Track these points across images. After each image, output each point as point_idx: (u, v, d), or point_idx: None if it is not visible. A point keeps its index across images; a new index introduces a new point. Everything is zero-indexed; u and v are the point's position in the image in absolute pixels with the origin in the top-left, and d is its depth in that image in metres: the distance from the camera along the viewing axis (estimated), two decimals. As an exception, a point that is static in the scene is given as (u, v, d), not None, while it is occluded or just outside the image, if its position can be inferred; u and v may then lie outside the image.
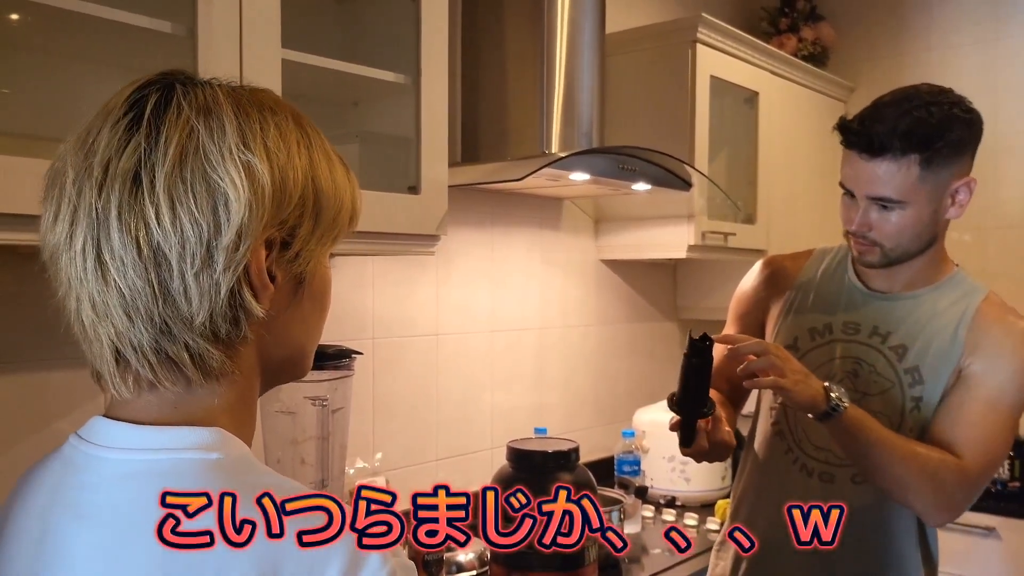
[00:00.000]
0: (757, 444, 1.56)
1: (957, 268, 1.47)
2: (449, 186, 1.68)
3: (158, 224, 0.61)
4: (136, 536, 0.61)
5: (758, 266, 1.65)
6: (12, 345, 1.39)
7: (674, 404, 1.37)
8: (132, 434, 0.66)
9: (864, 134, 1.34)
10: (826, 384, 1.29)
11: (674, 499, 2.38)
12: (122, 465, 0.65)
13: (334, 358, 1.43)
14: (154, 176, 0.61)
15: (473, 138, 2.09)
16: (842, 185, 1.41)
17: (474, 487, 2.28)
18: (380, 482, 1.86)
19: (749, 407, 1.68)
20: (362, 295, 1.95)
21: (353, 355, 1.47)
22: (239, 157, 0.63)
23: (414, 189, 1.60)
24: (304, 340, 0.74)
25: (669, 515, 2.28)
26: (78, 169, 0.63)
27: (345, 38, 1.75)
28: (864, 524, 1.41)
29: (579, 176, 1.90)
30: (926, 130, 1.31)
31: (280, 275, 0.67)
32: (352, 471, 1.84)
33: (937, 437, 1.36)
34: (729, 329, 1.66)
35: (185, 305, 0.63)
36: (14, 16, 1.28)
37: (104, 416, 0.68)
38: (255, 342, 0.68)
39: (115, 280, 0.62)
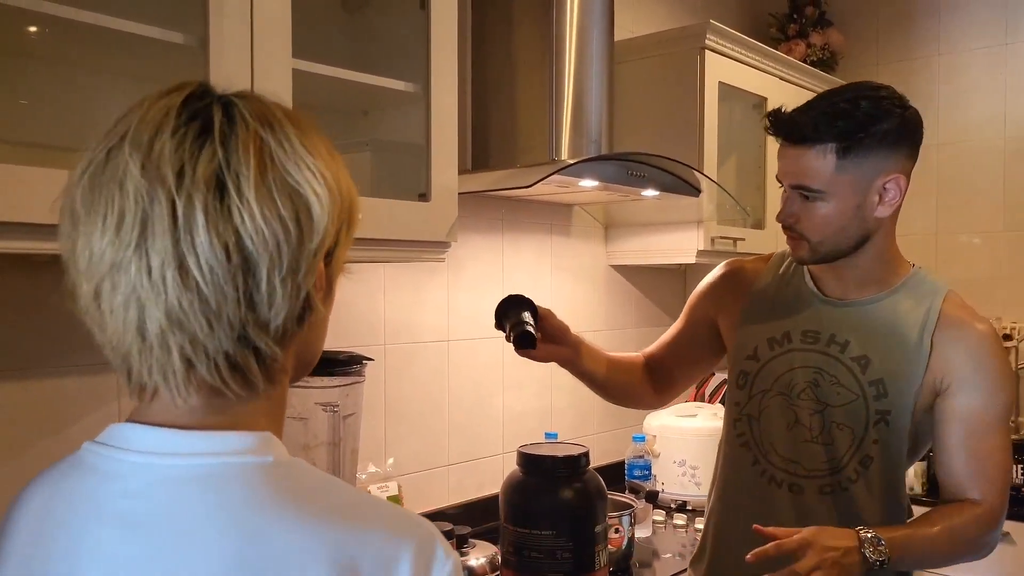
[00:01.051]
0: (724, 455, 1.54)
1: (915, 268, 1.44)
2: (459, 193, 1.69)
3: (250, 229, 0.61)
4: (203, 540, 0.62)
5: (719, 268, 1.64)
6: (27, 352, 1.40)
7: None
8: (175, 439, 0.65)
9: (785, 121, 1.34)
10: (861, 548, 1.23)
11: (685, 503, 2.38)
12: (171, 471, 0.64)
13: (345, 364, 1.45)
14: (239, 182, 0.61)
15: (483, 145, 2.11)
16: (777, 178, 1.41)
17: (485, 492, 2.30)
18: (392, 487, 1.88)
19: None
20: (373, 302, 1.96)
21: (364, 361, 1.48)
22: (311, 166, 0.65)
23: (424, 196, 1.61)
24: (322, 342, 0.76)
25: (680, 519, 2.28)
26: (146, 175, 0.61)
27: (355, 47, 1.76)
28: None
29: (588, 183, 1.91)
30: (847, 120, 1.29)
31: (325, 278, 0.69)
32: (364, 476, 1.85)
33: (948, 484, 1.37)
34: (679, 324, 1.65)
35: (266, 309, 0.63)
36: (32, 28, 1.30)
37: (133, 422, 0.67)
38: (296, 344, 0.69)
39: (199, 287, 0.61)
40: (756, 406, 1.46)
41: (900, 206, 1.37)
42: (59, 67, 1.40)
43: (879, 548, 1.24)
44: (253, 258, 0.61)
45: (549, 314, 1.49)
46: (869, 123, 1.30)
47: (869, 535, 1.24)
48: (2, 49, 1.31)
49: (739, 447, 1.49)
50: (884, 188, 1.33)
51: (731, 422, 1.51)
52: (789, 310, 1.47)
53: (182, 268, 0.60)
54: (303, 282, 0.64)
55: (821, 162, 1.30)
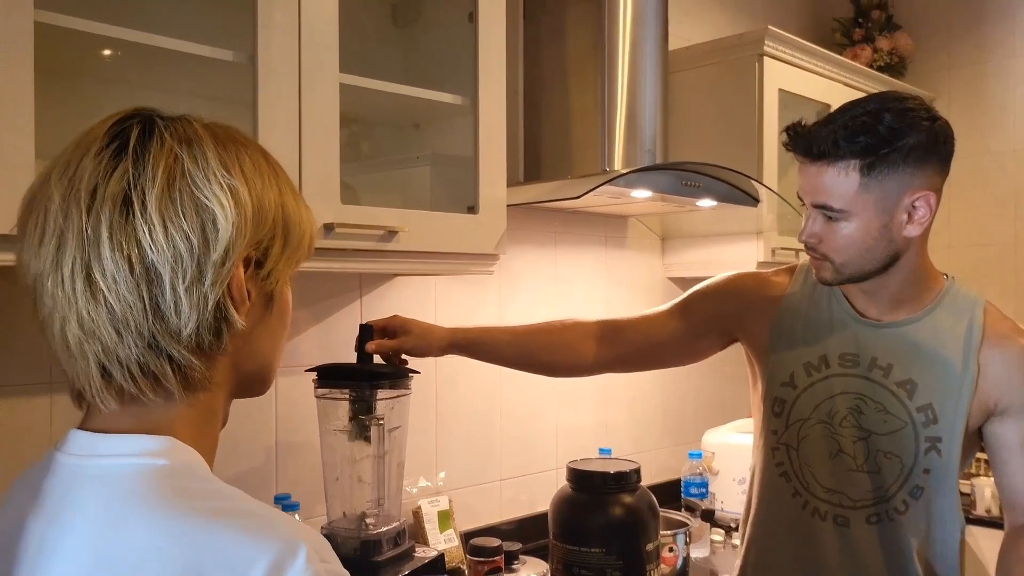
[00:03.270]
0: (761, 485, 1.45)
1: (948, 280, 1.36)
2: (511, 205, 1.69)
3: (152, 242, 0.65)
4: (75, 534, 0.65)
5: (735, 274, 1.53)
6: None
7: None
8: (95, 442, 0.69)
9: (805, 137, 1.26)
10: None
11: (745, 523, 2.31)
12: (82, 470, 0.69)
13: (391, 377, 1.45)
14: (144, 198, 0.65)
15: (536, 157, 2.10)
16: (798, 196, 1.33)
17: (537, 508, 2.28)
18: (443, 502, 1.87)
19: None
20: (425, 315, 1.96)
21: (410, 374, 1.48)
22: (223, 181, 0.68)
23: (473, 209, 1.61)
24: (271, 355, 0.78)
25: (739, 539, 2.22)
26: (63, 195, 0.66)
27: (406, 61, 1.78)
28: (887, 566, 1.33)
29: (641, 193, 1.88)
30: (870, 134, 1.21)
31: (254, 291, 0.72)
32: (415, 490, 1.85)
33: (1013, 506, 1.33)
34: (670, 309, 1.56)
35: (174, 318, 0.66)
36: (95, 53, 1.35)
37: (79, 428, 0.72)
38: (230, 355, 0.72)
39: (105, 297, 0.65)
40: (795, 435, 1.39)
41: (931, 224, 1.28)
42: (120, 87, 1.45)
43: None
44: (155, 268, 0.65)
45: (391, 319, 1.47)
46: (894, 137, 1.21)
47: None
48: (71, 71, 1.36)
49: (777, 477, 1.41)
50: (913, 206, 1.25)
51: (768, 450, 1.43)
52: (823, 332, 1.38)
53: (90, 279, 0.65)
54: (210, 291, 0.67)
55: (843, 180, 1.23)
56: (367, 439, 1.42)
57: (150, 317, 0.65)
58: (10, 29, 1.07)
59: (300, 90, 1.34)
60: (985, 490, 2.44)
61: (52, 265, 0.66)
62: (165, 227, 0.65)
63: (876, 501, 1.33)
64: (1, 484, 1.33)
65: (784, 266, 1.52)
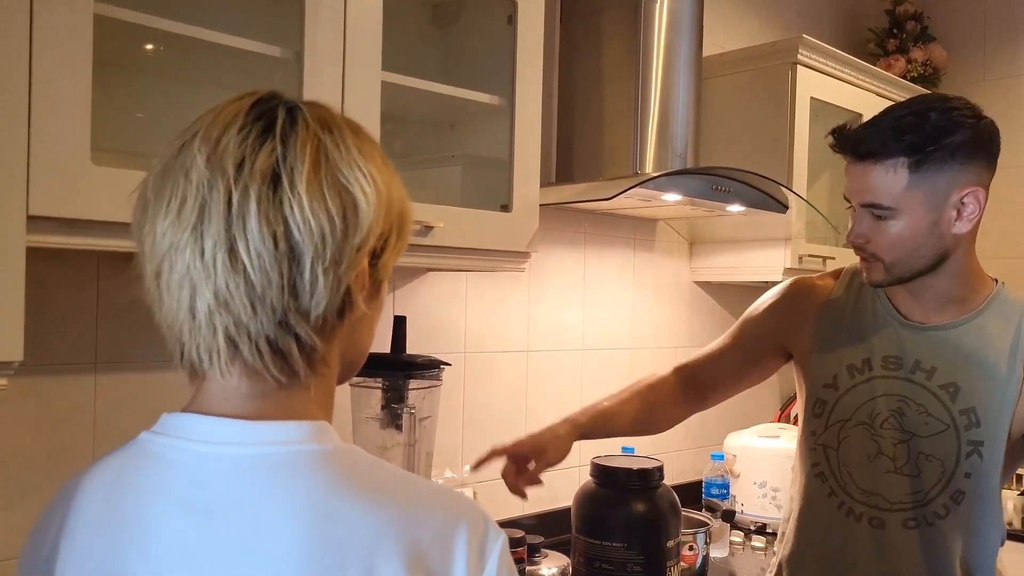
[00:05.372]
0: (798, 486, 1.47)
1: (998, 285, 1.36)
2: (543, 205, 1.72)
3: (300, 220, 0.65)
4: (273, 524, 0.64)
5: (783, 286, 1.56)
6: (132, 346, 1.49)
7: None
8: (234, 429, 0.68)
9: (852, 137, 1.28)
10: None
11: (764, 526, 2.32)
12: (236, 460, 0.67)
13: (423, 368, 1.48)
14: (293, 176, 0.65)
15: (568, 158, 2.13)
16: (845, 197, 1.35)
17: (560, 503, 2.29)
18: (468, 494, 1.90)
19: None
20: (455, 310, 2.00)
21: (442, 366, 1.51)
22: (363, 168, 0.69)
23: (506, 207, 1.65)
24: (368, 342, 0.79)
25: (759, 542, 2.23)
26: (208, 167, 0.65)
27: (444, 61, 1.82)
28: (925, 572, 1.33)
29: (672, 196, 1.91)
30: (917, 132, 1.23)
31: (368, 279, 0.72)
32: (440, 481, 1.89)
33: None
34: (730, 338, 1.58)
35: (308, 298, 0.66)
36: (149, 46, 1.39)
37: (192, 412, 0.70)
38: (340, 340, 0.72)
39: (246, 271, 0.64)
40: (834, 436, 1.40)
41: (979, 222, 1.30)
42: (168, 80, 1.49)
43: None
44: (299, 247, 0.65)
45: (518, 448, 1.42)
46: (940, 135, 1.23)
47: None
48: (121, 64, 1.40)
49: (814, 477, 1.43)
50: (962, 202, 1.26)
51: (806, 451, 1.45)
52: (867, 334, 1.40)
53: (232, 252, 0.64)
54: (344, 275, 0.67)
55: (891, 177, 1.25)
56: (398, 427, 1.45)
57: (286, 294, 0.65)
58: (70, 22, 1.10)
59: (344, 87, 1.38)
60: (1008, 502, 2.43)
61: (192, 235, 0.65)
62: (313, 206, 0.65)
63: (915, 505, 1.33)
64: (44, 461, 1.39)
65: (830, 271, 1.54)
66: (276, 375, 0.68)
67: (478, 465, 1.40)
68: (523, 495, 1.39)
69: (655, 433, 1.65)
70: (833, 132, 1.32)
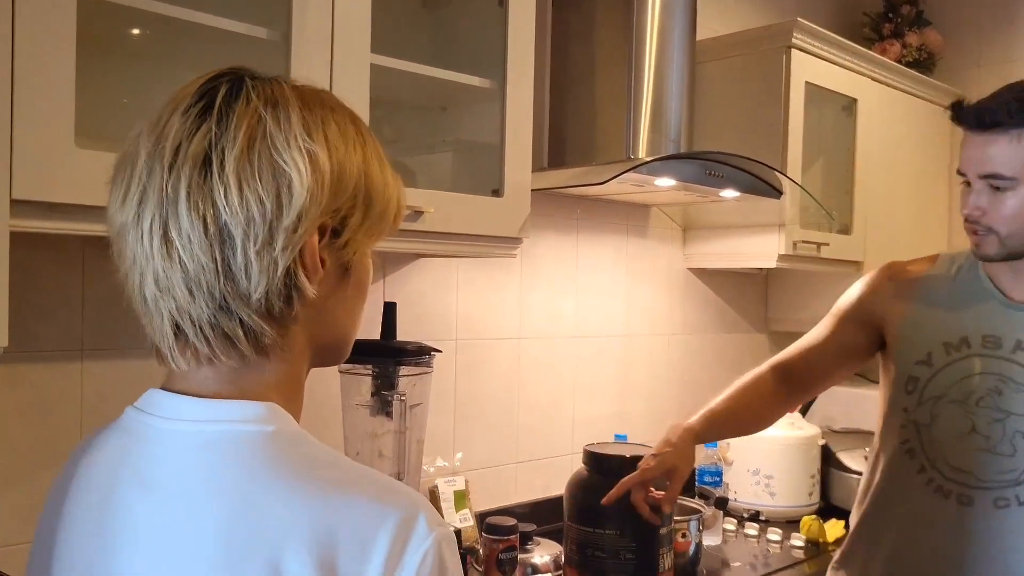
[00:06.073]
0: (884, 463, 1.48)
1: None
2: (535, 191, 1.70)
3: (226, 203, 0.65)
4: (201, 503, 0.65)
5: (878, 272, 1.57)
6: (119, 334, 1.47)
7: None
8: (191, 406, 0.69)
9: (974, 108, 1.29)
10: None
11: (758, 513, 2.32)
12: (186, 437, 0.68)
13: (414, 354, 1.47)
14: (223, 159, 0.65)
15: (560, 143, 2.11)
16: (959, 172, 1.35)
17: (552, 492, 2.29)
18: (459, 482, 1.89)
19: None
20: (446, 297, 1.99)
21: (433, 352, 1.50)
22: (303, 145, 0.67)
23: (497, 192, 1.63)
24: (347, 325, 0.78)
25: (752, 529, 2.23)
26: (150, 152, 0.67)
27: (434, 43, 1.79)
28: (1010, 553, 1.33)
29: (665, 181, 1.89)
30: None
31: (329, 260, 0.71)
32: (432, 469, 1.88)
33: None
34: (823, 330, 1.58)
35: (244, 282, 0.66)
36: (134, 28, 1.37)
37: (163, 389, 0.72)
38: (304, 323, 0.71)
39: (180, 256, 0.65)
40: (927, 413, 1.41)
41: None
42: (153, 63, 1.47)
43: None
44: (228, 230, 0.65)
45: (650, 474, 1.44)
46: None
47: None
48: (106, 46, 1.38)
49: (903, 454, 1.44)
50: None
51: (895, 427, 1.46)
52: (965, 313, 1.41)
53: (166, 237, 0.65)
54: (280, 257, 0.66)
55: (1015, 147, 1.26)
56: (388, 415, 1.44)
57: (221, 279, 0.65)
58: (54, 2, 1.08)
59: (332, 69, 1.35)
60: None
61: (134, 220, 0.67)
62: (240, 189, 0.65)
63: (1007, 484, 1.34)
64: (30, 449, 1.37)
65: (924, 256, 1.55)
66: (224, 359, 0.68)
67: (610, 500, 1.44)
68: (660, 521, 1.46)
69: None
70: (953, 105, 1.33)
